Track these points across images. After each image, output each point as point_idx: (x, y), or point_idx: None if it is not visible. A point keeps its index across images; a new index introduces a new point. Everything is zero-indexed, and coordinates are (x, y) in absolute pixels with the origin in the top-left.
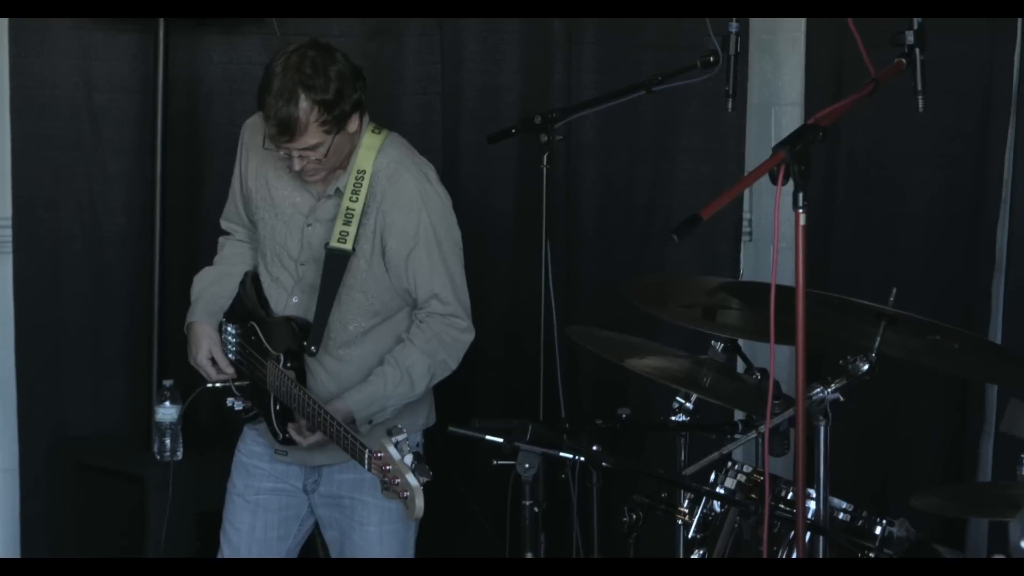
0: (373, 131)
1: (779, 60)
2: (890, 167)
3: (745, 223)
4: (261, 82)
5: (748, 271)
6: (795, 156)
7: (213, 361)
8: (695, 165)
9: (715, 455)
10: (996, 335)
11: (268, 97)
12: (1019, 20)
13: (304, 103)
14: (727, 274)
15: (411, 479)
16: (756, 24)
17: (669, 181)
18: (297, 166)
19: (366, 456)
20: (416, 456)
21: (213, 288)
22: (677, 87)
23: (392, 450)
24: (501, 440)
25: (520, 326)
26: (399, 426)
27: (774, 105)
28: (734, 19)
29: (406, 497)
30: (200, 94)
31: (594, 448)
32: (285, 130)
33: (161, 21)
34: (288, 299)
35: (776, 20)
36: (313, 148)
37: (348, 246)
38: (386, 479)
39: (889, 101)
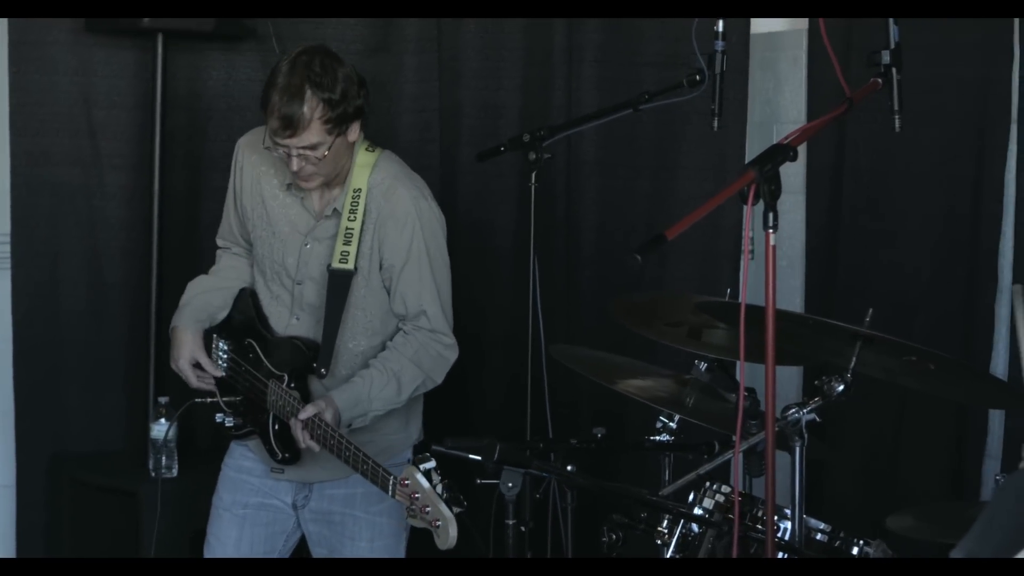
0: (367, 149)
1: (781, 78)
2: (893, 186)
3: (748, 241)
4: (267, 81)
5: (749, 289)
6: (765, 176)
7: (196, 366)
8: (695, 183)
9: (692, 475)
10: (1000, 356)
11: (274, 92)
12: (1015, 37)
13: (310, 98)
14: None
15: (444, 509)
16: (757, 41)
17: (669, 199)
18: (295, 166)
19: (391, 483)
20: (447, 486)
21: (204, 296)
22: (676, 104)
23: (421, 478)
24: (480, 458)
25: (517, 343)
26: (428, 454)
27: (775, 123)
28: (720, 39)
29: (438, 526)
30: (199, 111)
31: (568, 468)
32: (289, 124)
33: (160, 37)
34: (290, 318)
35: (778, 37)
36: (314, 147)
37: (351, 266)
38: (413, 507)
39: (891, 119)
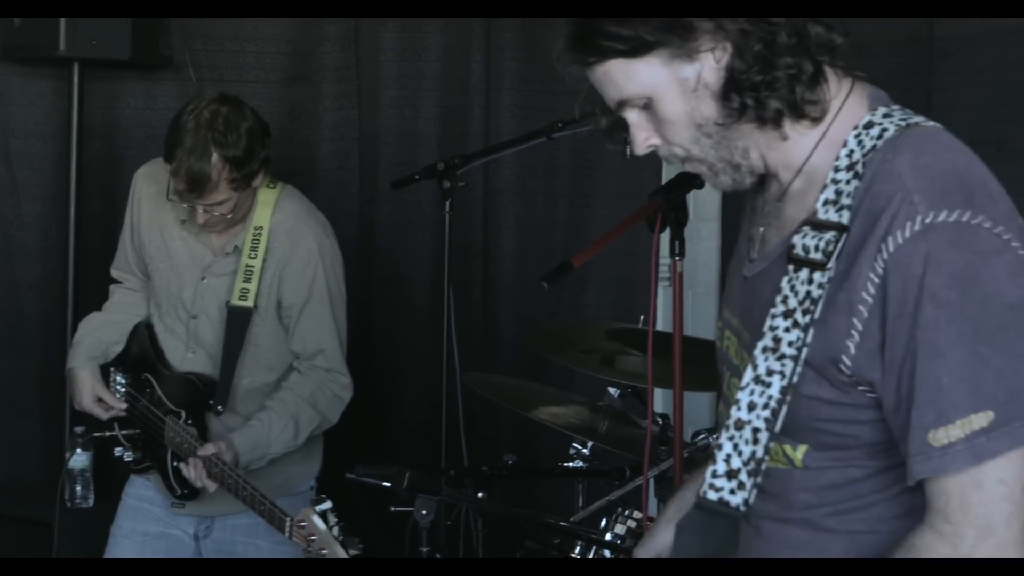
0: (268, 185)
1: None
2: None
3: (664, 268)
4: (169, 135)
5: (665, 316)
6: (671, 203)
7: (100, 401)
8: (612, 210)
9: (604, 501)
10: None
11: (178, 151)
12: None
13: (216, 160)
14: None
15: (340, 551)
16: None
17: (586, 226)
18: (201, 220)
19: (287, 525)
20: (344, 527)
21: (97, 333)
22: (592, 132)
23: (317, 520)
24: (390, 485)
25: (434, 370)
26: (323, 496)
27: None
28: None
29: None
30: (116, 139)
31: (480, 495)
32: (195, 187)
33: (76, 65)
34: (185, 352)
35: None
36: (220, 204)
37: (250, 303)
38: (310, 548)
39: None
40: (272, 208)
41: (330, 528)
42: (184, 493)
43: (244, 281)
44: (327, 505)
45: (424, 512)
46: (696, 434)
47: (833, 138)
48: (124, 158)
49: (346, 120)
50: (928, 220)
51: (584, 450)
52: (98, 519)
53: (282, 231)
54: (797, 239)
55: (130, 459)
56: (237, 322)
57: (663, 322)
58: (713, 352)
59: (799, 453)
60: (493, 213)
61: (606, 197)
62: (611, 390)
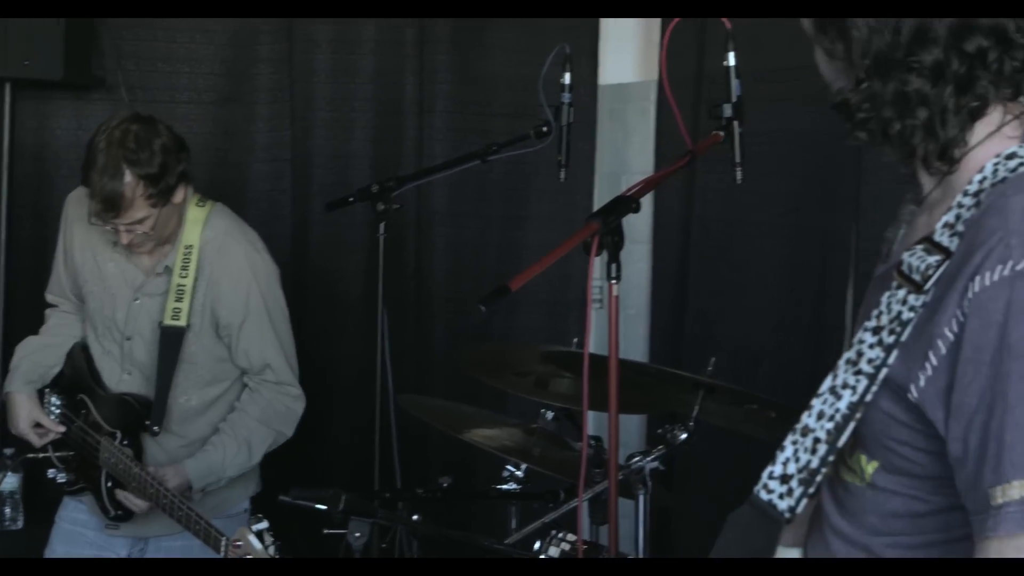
0: (198, 204)
1: (629, 129)
2: (740, 236)
3: (595, 291)
4: (85, 158)
5: (596, 338)
6: (608, 227)
7: (37, 426)
8: (544, 233)
9: (538, 523)
10: None
11: (92, 173)
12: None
13: (129, 178)
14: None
15: None
16: (606, 92)
17: (518, 248)
18: (125, 240)
19: (223, 544)
20: (279, 548)
21: (34, 356)
22: (525, 155)
23: (253, 540)
24: (325, 507)
25: (367, 393)
26: (260, 515)
27: (624, 173)
28: (567, 91)
29: None
30: (47, 160)
31: (415, 517)
32: (111, 206)
33: (8, 86)
34: (121, 373)
35: (627, 88)
36: (140, 222)
37: (183, 322)
38: None
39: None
40: (202, 226)
41: (266, 547)
42: (118, 514)
43: (176, 301)
44: (263, 525)
45: (357, 535)
46: (630, 456)
47: (977, 158)
48: (55, 179)
49: (279, 141)
50: (1019, 267)
51: (518, 472)
52: (31, 543)
53: (212, 249)
54: (906, 256)
55: (63, 480)
56: (170, 342)
57: (596, 344)
58: (643, 374)
59: (871, 468)
60: (426, 235)
61: (538, 220)
62: (544, 412)
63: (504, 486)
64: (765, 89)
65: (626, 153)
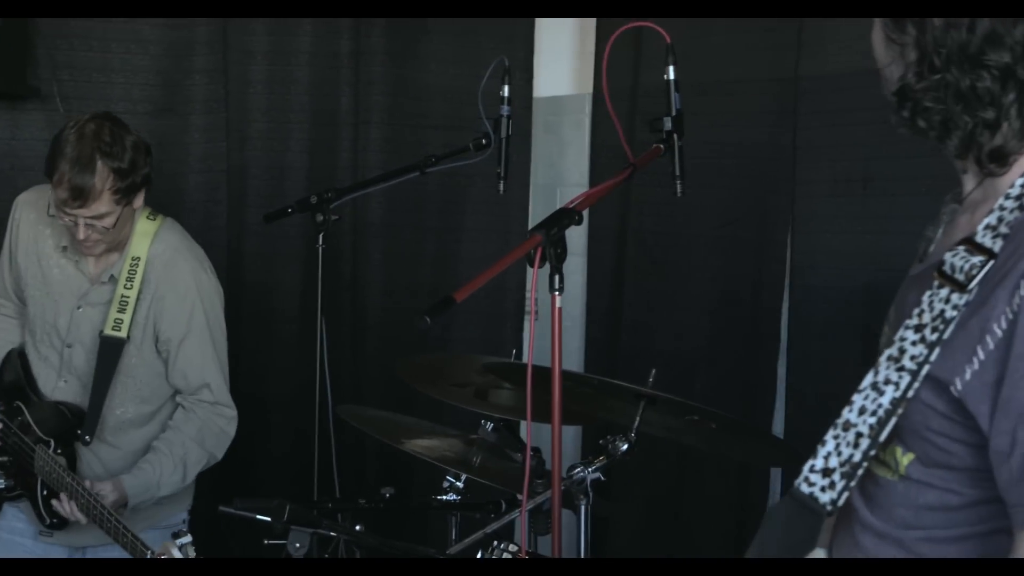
0: (148, 217)
1: (564, 141)
2: (675, 248)
3: (528, 302)
4: (52, 149)
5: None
6: (551, 239)
7: None
8: (480, 244)
9: (479, 534)
10: (780, 414)
11: (62, 162)
12: (795, 104)
13: (101, 169)
14: (510, 353)
15: None
16: (541, 105)
17: (453, 260)
18: (82, 234)
19: (148, 557)
20: None
21: None
22: (460, 167)
23: (176, 553)
24: (270, 519)
25: (302, 404)
26: (184, 528)
27: (559, 185)
28: (506, 104)
29: None
30: None
31: (357, 528)
32: (79, 195)
33: None
34: (57, 380)
35: (562, 101)
36: (102, 217)
37: (123, 334)
38: None
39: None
40: (151, 239)
41: None
42: (53, 522)
43: (119, 311)
44: (187, 539)
45: (298, 545)
46: (572, 467)
47: (1021, 163)
48: None
49: (214, 152)
50: None
51: (458, 483)
52: None
53: (159, 263)
54: (948, 256)
55: (2, 487)
56: (109, 352)
57: (536, 354)
58: (580, 384)
59: (906, 460)
60: (362, 247)
61: (474, 231)
62: (485, 423)
63: (444, 497)
64: (701, 102)
65: (561, 165)
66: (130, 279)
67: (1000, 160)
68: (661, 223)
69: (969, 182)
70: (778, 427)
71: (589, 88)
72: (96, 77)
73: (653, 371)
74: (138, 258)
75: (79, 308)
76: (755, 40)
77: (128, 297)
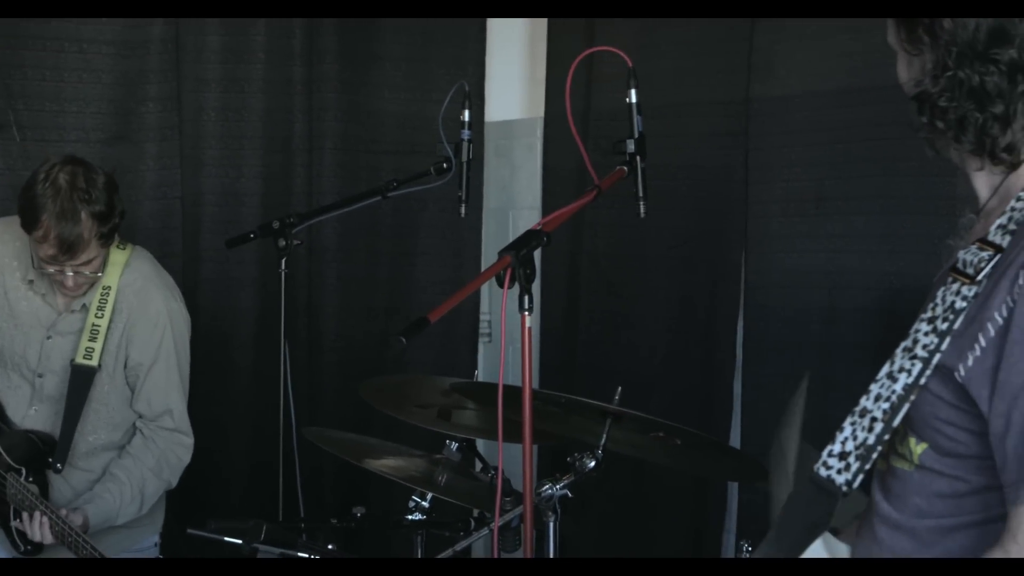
0: (118, 246)
1: (516, 165)
2: (629, 269)
3: (483, 324)
4: (27, 202)
5: (486, 371)
6: (520, 260)
7: None
8: (433, 268)
9: (448, 552)
10: (736, 432)
11: (45, 217)
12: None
13: (85, 219)
14: (465, 374)
15: None
16: (492, 129)
17: (408, 284)
18: (71, 283)
19: None
20: None
21: None
22: (415, 192)
23: None
24: (239, 541)
25: (262, 427)
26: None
27: (511, 209)
28: (467, 128)
29: None
30: None
31: (330, 547)
32: (68, 249)
33: None
34: (27, 408)
35: (514, 125)
36: (89, 263)
37: (94, 362)
38: None
39: (627, 205)
40: (122, 269)
41: None
42: (27, 549)
43: (90, 340)
44: None
45: None
46: (540, 485)
47: None
48: None
49: (168, 179)
50: None
51: (423, 503)
52: None
53: (131, 291)
54: (961, 254)
55: None
56: (80, 380)
57: (489, 375)
58: (547, 404)
59: (919, 449)
60: (317, 270)
61: (427, 255)
62: (449, 443)
63: (410, 516)
64: (653, 125)
65: (513, 189)
66: (101, 308)
67: (1013, 151)
68: (615, 245)
69: (983, 188)
70: (735, 444)
71: (540, 112)
72: (49, 106)
73: (619, 389)
74: (109, 287)
75: (49, 338)
76: (705, 63)
77: (99, 326)
